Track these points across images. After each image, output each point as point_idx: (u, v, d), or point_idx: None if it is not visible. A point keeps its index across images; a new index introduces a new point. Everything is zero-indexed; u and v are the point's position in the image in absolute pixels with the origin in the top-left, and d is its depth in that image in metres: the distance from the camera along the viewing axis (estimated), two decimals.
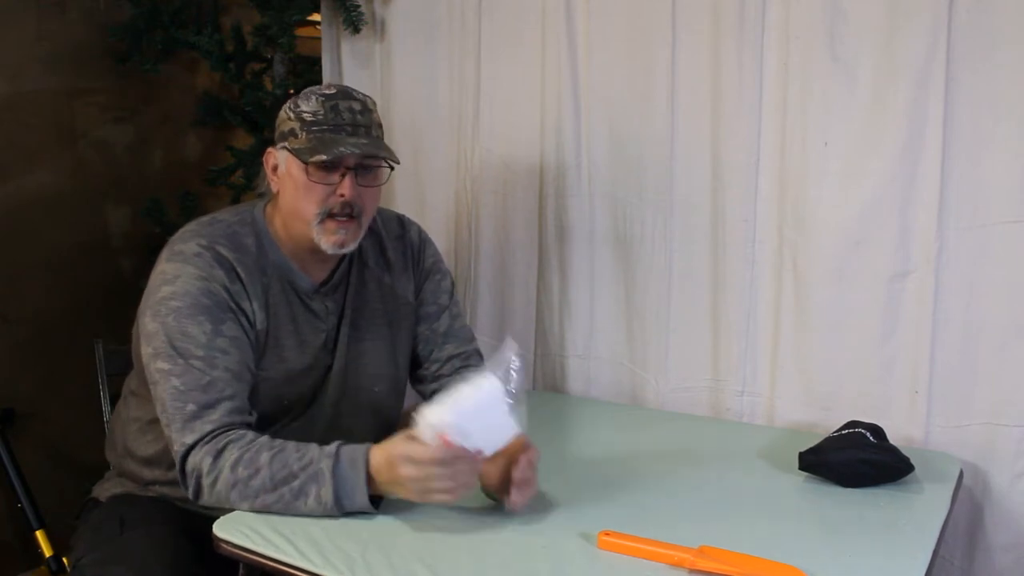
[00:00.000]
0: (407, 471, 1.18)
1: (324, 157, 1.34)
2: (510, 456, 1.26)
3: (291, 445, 1.25)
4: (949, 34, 1.48)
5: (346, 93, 1.39)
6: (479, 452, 1.20)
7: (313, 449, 1.24)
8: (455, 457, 1.18)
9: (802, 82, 1.63)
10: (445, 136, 2.08)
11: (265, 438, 1.27)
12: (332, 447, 1.23)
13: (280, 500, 1.21)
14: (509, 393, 1.19)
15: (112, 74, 2.48)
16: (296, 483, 1.21)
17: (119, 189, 2.55)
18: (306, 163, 1.35)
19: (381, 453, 1.22)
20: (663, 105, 1.77)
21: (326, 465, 1.21)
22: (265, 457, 1.23)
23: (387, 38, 2.13)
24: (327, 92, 1.38)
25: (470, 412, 1.18)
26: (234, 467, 1.23)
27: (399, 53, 2.11)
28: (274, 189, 1.44)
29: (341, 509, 1.21)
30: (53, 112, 2.39)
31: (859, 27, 1.57)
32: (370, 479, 1.21)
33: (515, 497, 1.24)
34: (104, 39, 2.41)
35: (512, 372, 1.19)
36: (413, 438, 1.19)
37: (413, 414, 1.21)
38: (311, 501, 1.20)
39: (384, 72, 2.14)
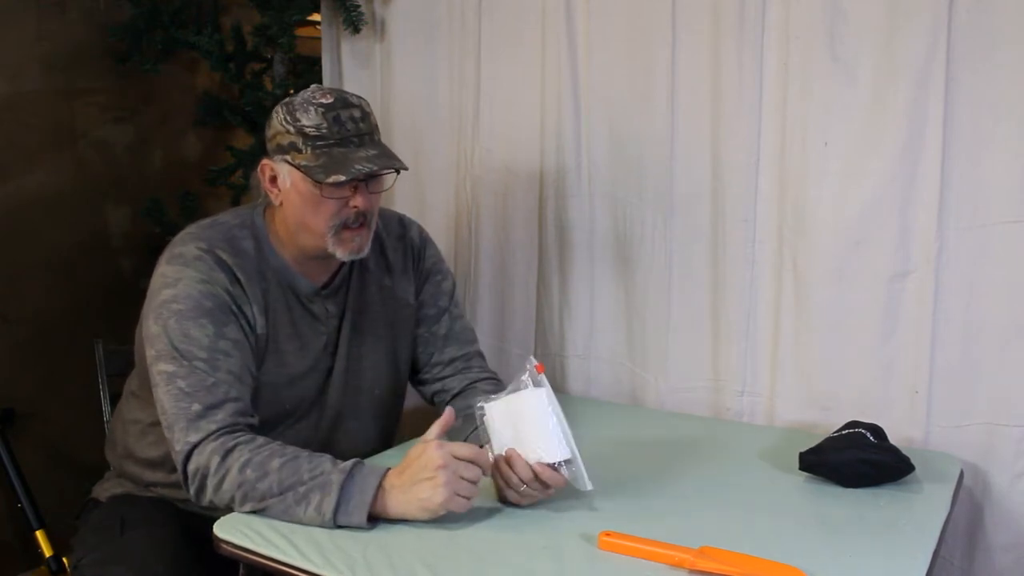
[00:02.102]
0: (439, 458, 1.18)
1: (343, 178, 1.31)
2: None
3: (305, 455, 1.24)
4: (949, 34, 1.48)
5: (344, 101, 1.36)
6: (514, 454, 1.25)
7: (327, 462, 1.22)
8: (485, 460, 1.22)
9: (802, 82, 1.63)
10: (445, 136, 2.08)
11: (277, 444, 1.26)
12: (348, 464, 1.22)
13: (282, 503, 1.20)
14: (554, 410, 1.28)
15: (112, 74, 2.48)
16: (301, 489, 1.20)
17: (119, 189, 2.55)
18: (322, 183, 1.33)
19: (402, 468, 1.22)
20: (663, 105, 1.77)
21: (336, 478, 1.19)
22: (276, 463, 1.22)
23: (387, 38, 2.13)
24: (325, 102, 1.34)
25: (517, 411, 1.28)
26: (243, 469, 1.22)
27: (399, 53, 2.11)
28: (276, 202, 1.41)
29: (336, 523, 1.19)
30: (53, 112, 2.39)
31: (859, 27, 1.57)
32: (382, 493, 1.20)
33: (517, 491, 1.25)
34: (104, 39, 2.41)
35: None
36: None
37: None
38: (311, 509, 1.19)
39: (384, 72, 2.14)
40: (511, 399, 1.29)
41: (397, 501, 1.20)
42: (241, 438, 1.26)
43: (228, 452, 1.24)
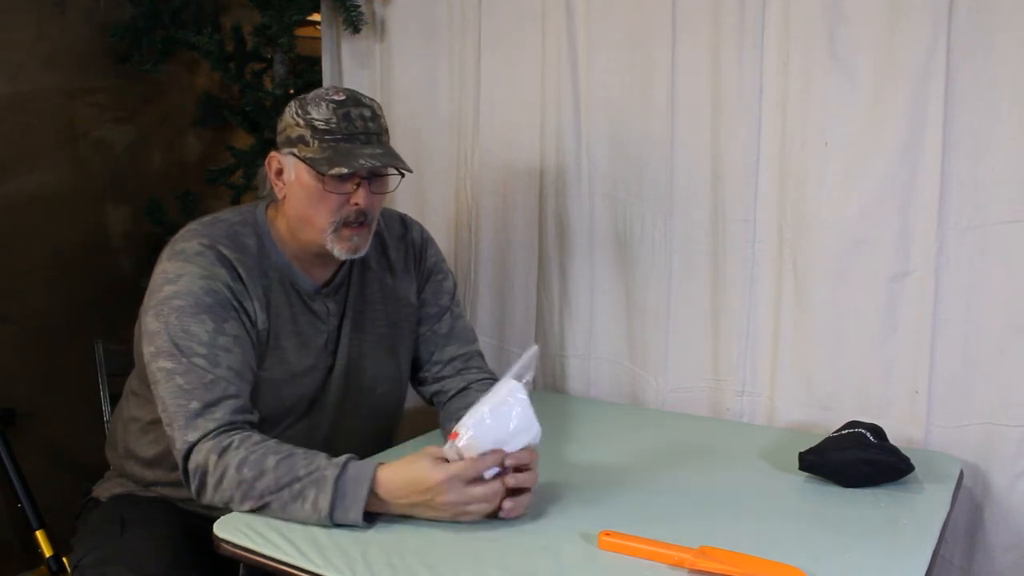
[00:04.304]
0: (447, 497, 1.17)
1: (345, 170, 1.32)
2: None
3: (300, 452, 1.24)
4: (949, 34, 1.48)
5: (356, 100, 1.38)
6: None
7: (321, 458, 1.22)
8: (489, 469, 1.20)
9: (802, 82, 1.63)
10: (445, 136, 2.08)
11: (273, 441, 1.26)
12: (342, 459, 1.22)
13: (279, 500, 1.20)
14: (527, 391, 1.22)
15: (112, 74, 2.48)
16: (298, 486, 1.20)
17: (119, 189, 2.55)
18: (324, 175, 1.34)
19: (397, 475, 1.20)
20: (663, 105, 1.78)
21: (331, 473, 1.19)
22: (272, 460, 1.22)
23: (387, 38, 2.13)
24: (337, 99, 1.36)
25: (499, 425, 1.21)
26: (239, 467, 1.22)
27: (399, 53, 2.11)
28: (279, 195, 1.42)
29: (333, 520, 1.19)
30: (53, 112, 2.39)
31: (859, 26, 1.57)
32: (379, 500, 1.20)
33: (507, 505, 1.23)
34: (104, 39, 2.42)
35: (528, 371, 1.24)
36: (438, 459, 1.19)
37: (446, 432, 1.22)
38: (307, 505, 1.19)
39: (384, 72, 2.14)
40: (492, 410, 1.23)
41: (400, 509, 1.20)
42: (236, 436, 1.26)
43: (224, 451, 1.24)
